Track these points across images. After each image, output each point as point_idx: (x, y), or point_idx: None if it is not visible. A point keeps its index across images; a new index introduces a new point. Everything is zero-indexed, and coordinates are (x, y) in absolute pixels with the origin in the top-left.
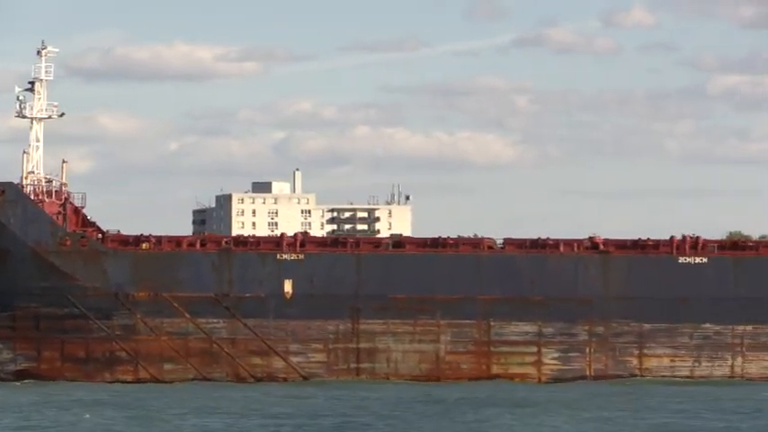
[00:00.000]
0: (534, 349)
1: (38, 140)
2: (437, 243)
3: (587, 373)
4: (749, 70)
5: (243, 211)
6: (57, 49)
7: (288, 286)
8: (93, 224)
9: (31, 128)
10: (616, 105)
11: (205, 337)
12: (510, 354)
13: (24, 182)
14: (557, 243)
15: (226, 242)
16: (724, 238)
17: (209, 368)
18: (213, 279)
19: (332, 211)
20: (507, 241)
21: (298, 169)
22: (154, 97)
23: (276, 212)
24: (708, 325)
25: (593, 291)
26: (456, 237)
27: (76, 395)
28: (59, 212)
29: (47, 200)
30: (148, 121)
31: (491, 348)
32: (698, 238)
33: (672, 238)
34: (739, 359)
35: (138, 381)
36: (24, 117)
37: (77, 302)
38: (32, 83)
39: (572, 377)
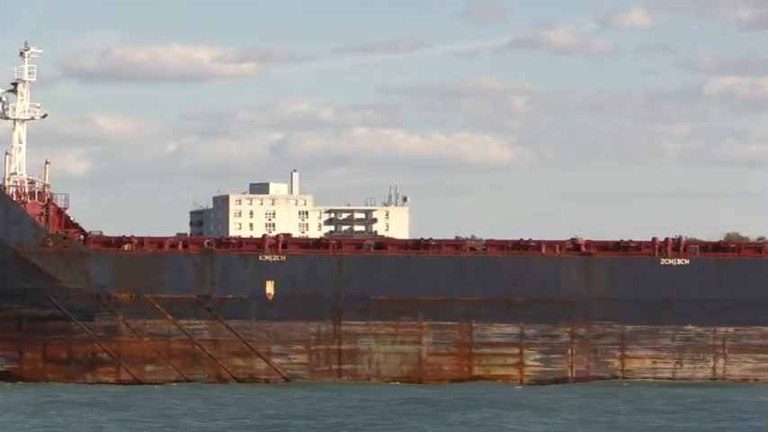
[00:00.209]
0: (516, 351)
1: (20, 142)
2: (419, 245)
3: (569, 374)
4: (747, 71)
5: (240, 213)
6: (40, 51)
7: (270, 288)
8: (76, 225)
9: (13, 129)
10: (614, 107)
11: (187, 338)
12: (492, 355)
13: (6, 183)
14: (539, 244)
15: (208, 243)
16: (722, 239)
17: (191, 370)
18: (195, 280)
19: (329, 212)
20: (489, 243)
21: (295, 170)
22: (151, 98)
23: (273, 213)
24: (690, 327)
25: (575, 292)
26: (453, 238)
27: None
28: (42, 214)
29: (29, 201)
30: (146, 122)
31: (473, 350)
32: (680, 239)
33: (654, 239)
34: (721, 361)
35: (120, 382)
36: (7, 118)
37: (59, 304)
38: (15, 84)
39: (554, 379)
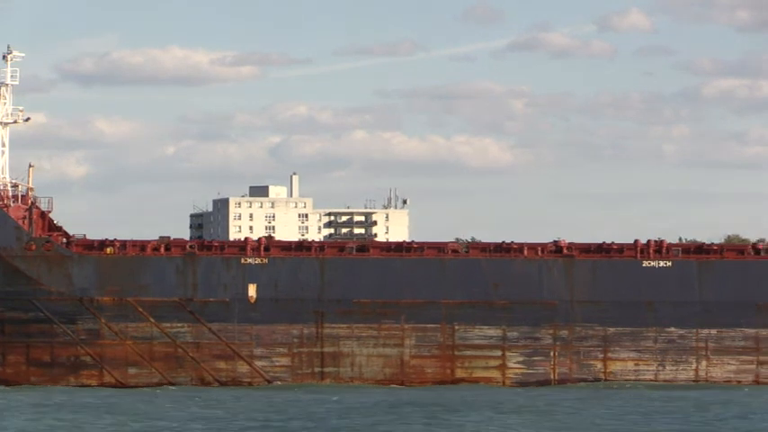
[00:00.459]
0: (498, 353)
1: (3, 145)
2: (401, 247)
3: (552, 376)
4: (745, 73)
5: (240, 216)
6: (23, 54)
7: (252, 290)
8: (59, 229)
9: None
10: (612, 109)
11: (170, 341)
12: (474, 357)
13: None
14: (521, 247)
15: (190, 246)
16: (723, 241)
17: (174, 372)
18: (178, 283)
19: (329, 215)
20: (471, 245)
21: (295, 173)
22: (150, 102)
23: (273, 216)
24: (672, 329)
25: (557, 295)
26: (454, 241)
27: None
28: (25, 217)
29: (12, 204)
30: (145, 125)
31: (455, 352)
32: (662, 241)
33: (636, 241)
34: (704, 363)
35: (103, 385)
36: None
37: (42, 307)
38: None
39: (536, 381)
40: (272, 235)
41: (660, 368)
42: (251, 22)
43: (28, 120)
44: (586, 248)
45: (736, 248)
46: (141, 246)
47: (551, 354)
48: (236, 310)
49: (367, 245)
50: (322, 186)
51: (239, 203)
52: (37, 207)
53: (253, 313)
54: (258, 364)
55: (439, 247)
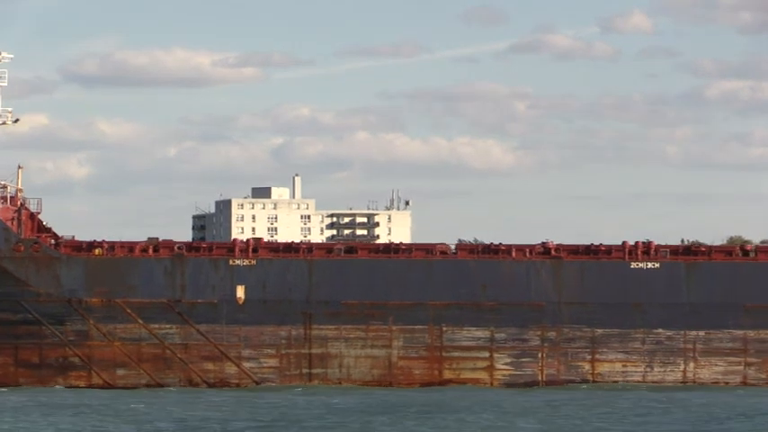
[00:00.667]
0: (486, 354)
1: None
2: (389, 249)
3: (539, 378)
4: (748, 75)
5: (243, 217)
6: (11, 55)
7: (240, 292)
8: (48, 230)
9: None
10: (615, 111)
11: (158, 342)
12: (462, 359)
13: None
14: (509, 248)
15: (178, 248)
16: (725, 243)
17: (162, 374)
18: (166, 285)
19: (331, 216)
20: (459, 246)
21: (297, 174)
22: (152, 103)
23: (276, 218)
24: (660, 330)
25: (545, 296)
26: (456, 242)
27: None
28: (14, 218)
29: (1, 206)
30: (147, 126)
31: (443, 354)
32: (650, 243)
33: (624, 243)
34: (691, 364)
35: (91, 386)
36: None
37: (31, 308)
38: None
39: (524, 382)
40: (275, 237)
41: (648, 369)
42: (253, 23)
43: (17, 121)
44: (574, 250)
45: (724, 250)
46: (129, 247)
47: (539, 355)
48: (224, 311)
49: (355, 246)
50: (324, 188)
51: (242, 205)
52: (26, 208)
53: (241, 314)
54: (246, 365)
55: (427, 249)
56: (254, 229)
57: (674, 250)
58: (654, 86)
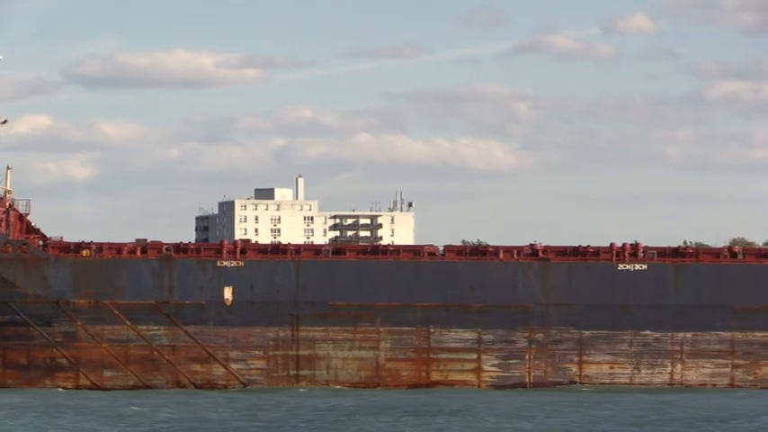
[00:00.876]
0: (474, 356)
1: None
2: (377, 250)
3: (527, 380)
4: (750, 76)
5: (246, 218)
6: (1, 57)
7: (228, 293)
8: (37, 231)
9: None
10: (616, 112)
11: (146, 344)
12: (450, 360)
13: None
14: (496, 250)
15: (166, 249)
16: (727, 244)
17: (150, 375)
18: (154, 286)
19: (335, 217)
20: (447, 248)
21: (300, 176)
22: (154, 104)
23: (279, 219)
24: (647, 332)
25: (532, 298)
26: (459, 244)
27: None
28: (2, 219)
29: None
30: (149, 127)
31: (431, 355)
32: (637, 244)
33: (612, 244)
34: (679, 366)
35: (79, 387)
36: None
37: (18, 309)
38: None
39: (511, 384)
40: (278, 238)
41: (635, 371)
42: (255, 24)
43: (5, 122)
44: (562, 251)
45: (711, 252)
46: (117, 248)
47: (527, 357)
48: (211, 312)
49: (343, 248)
50: (327, 189)
51: (245, 206)
52: (14, 209)
53: (228, 316)
54: (234, 366)
55: (415, 251)
56: (256, 231)
57: (662, 252)
58: (655, 88)
